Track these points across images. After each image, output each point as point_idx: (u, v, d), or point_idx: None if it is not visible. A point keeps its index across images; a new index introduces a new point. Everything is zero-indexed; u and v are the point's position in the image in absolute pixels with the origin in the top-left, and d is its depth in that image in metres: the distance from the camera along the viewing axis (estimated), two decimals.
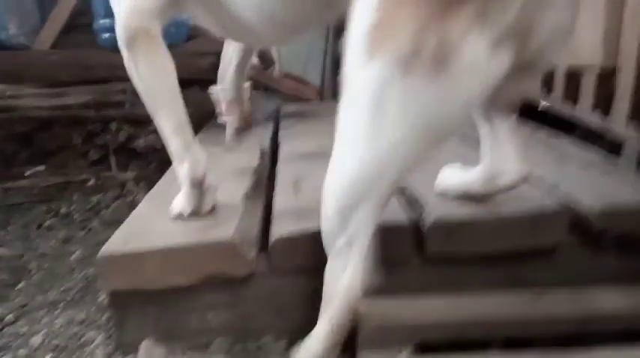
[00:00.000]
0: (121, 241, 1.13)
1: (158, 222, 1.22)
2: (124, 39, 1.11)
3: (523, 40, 0.79)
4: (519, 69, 0.81)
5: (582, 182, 1.24)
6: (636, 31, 1.46)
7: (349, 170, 0.81)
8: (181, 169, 1.17)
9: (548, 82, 2.00)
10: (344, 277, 0.85)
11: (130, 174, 2.45)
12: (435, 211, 1.10)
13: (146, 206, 1.35)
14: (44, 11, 3.60)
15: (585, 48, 1.63)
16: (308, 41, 3.30)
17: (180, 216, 1.20)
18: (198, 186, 1.19)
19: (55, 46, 3.38)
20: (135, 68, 1.11)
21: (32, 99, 2.56)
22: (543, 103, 2.14)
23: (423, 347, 0.96)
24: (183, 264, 1.10)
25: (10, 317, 1.42)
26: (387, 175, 0.80)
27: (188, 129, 1.16)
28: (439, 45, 0.69)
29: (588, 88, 1.66)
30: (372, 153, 0.78)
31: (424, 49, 0.70)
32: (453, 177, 1.19)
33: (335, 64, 3.26)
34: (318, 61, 3.45)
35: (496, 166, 1.07)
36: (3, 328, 1.38)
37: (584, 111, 1.73)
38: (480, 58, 0.71)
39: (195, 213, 1.20)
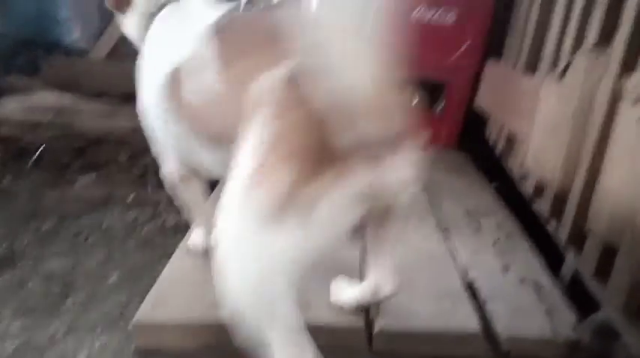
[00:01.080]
0: (150, 307, 1.52)
1: (181, 290, 1.60)
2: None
3: (376, 198, 0.95)
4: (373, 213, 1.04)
5: (509, 300, 1.57)
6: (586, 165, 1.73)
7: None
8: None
9: (524, 174, 2.27)
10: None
11: (163, 195, 2.85)
12: (383, 320, 1.46)
13: (176, 265, 1.74)
14: (105, 18, 3.97)
15: (548, 164, 1.92)
16: None
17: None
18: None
19: (111, 54, 3.78)
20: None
21: (89, 117, 2.96)
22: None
23: None
24: (195, 335, 1.48)
25: (59, 335, 1.83)
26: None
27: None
28: (305, 197, 0.88)
29: (548, 199, 1.95)
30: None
31: (294, 199, 0.88)
32: (345, 292, 1.46)
33: None
34: None
35: (378, 278, 1.31)
36: (54, 344, 1.80)
37: (543, 213, 2.02)
38: (336, 212, 0.90)
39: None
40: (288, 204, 0.88)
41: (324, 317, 1.46)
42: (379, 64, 0.87)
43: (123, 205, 2.77)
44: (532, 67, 2.54)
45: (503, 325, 1.46)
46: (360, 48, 0.84)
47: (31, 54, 4.02)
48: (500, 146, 2.76)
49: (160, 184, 2.99)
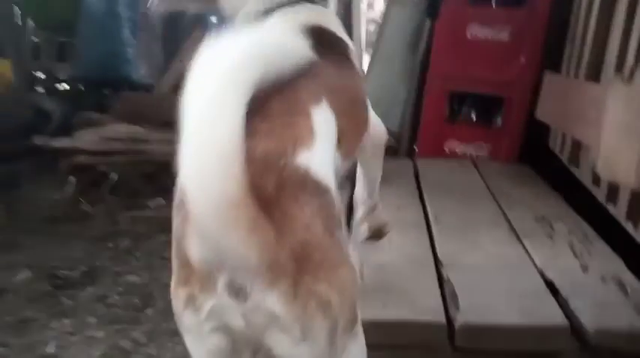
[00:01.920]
0: None
1: None
2: None
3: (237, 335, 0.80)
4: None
5: (592, 296, 1.54)
6: None
7: None
8: None
9: (596, 178, 2.24)
10: None
11: None
12: (467, 315, 1.45)
13: None
14: (168, 56, 4.22)
15: (621, 167, 1.89)
16: (389, 90, 3.57)
17: None
18: None
19: (175, 88, 3.99)
20: None
21: (158, 145, 3.12)
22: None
23: None
24: None
25: (143, 339, 1.91)
26: None
27: None
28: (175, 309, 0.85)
29: (624, 201, 1.92)
30: None
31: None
32: None
33: (415, 116, 3.50)
34: (399, 111, 3.59)
35: None
36: (139, 348, 1.87)
37: (622, 217, 1.98)
38: (195, 330, 0.81)
39: None
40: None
41: (404, 314, 1.47)
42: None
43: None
44: (593, 75, 2.53)
45: (590, 319, 1.42)
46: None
47: (101, 92, 4.29)
48: (566, 155, 2.73)
49: None
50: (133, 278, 2.38)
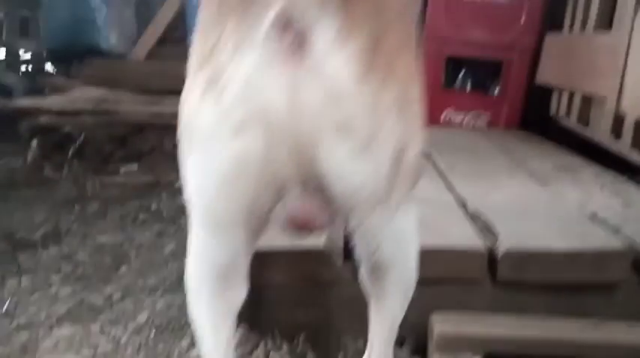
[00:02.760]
0: None
1: None
2: None
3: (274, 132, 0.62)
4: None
5: None
6: None
7: (186, 263, 0.83)
8: None
9: (616, 128, 2.08)
10: None
11: None
12: (508, 241, 1.23)
13: None
14: (141, 23, 3.93)
15: None
16: None
17: None
18: None
19: (149, 56, 3.70)
20: None
21: (130, 105, 2.83)
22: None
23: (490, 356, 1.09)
24: (278, 264, 1.27)
25: (117, 295, 1.63)
26: (202, 266, 0.79)
27: None
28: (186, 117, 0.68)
29: None
30: (189, 244, 0.80)
31: (180, 129, 0.70)
32: None
33: None
34: None
35: None
36: (112, 304, 1.59)
37: None
38: (213, 133, 0.63)
39: None
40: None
41: (436, 243, 1.23)
42: None
43: (171, 190, 2.60)
44: (604, 25, 2.40)
45: None
46: None
47: (69, 60, 3.97)
48: (574, 116, 2.57)
49: None
50: (103, 238, 2.08)
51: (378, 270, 0.80)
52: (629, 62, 1.96)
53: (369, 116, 0.60)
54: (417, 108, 0.68)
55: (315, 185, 0.64)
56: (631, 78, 1.95)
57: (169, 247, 1.98)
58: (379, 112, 0.61)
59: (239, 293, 0.82)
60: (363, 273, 0.84)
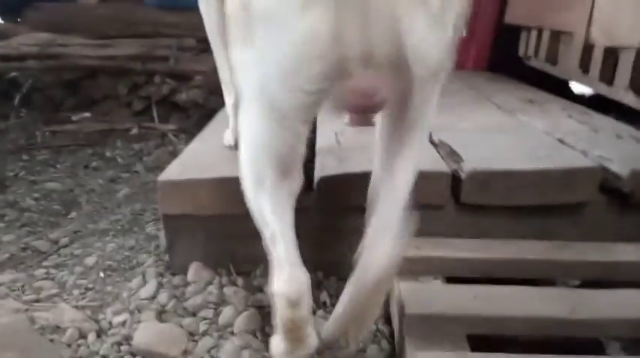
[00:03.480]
0: (177, 171, 1.22)
1: (210, 157, 1.31)
2: None
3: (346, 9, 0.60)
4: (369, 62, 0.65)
5: (614, 148, 1.29)
6: None
7: (242, 157, 0.82)
8: (229, 100, 1.35)
9: (584, 62, 2.03)
10: (272, 284, 0.82)
11: (171, 126, 2.56)
12: (473, 163, 1.17)
13: (196, 146, 1.45)
14: None
15: (623, 29, 1.67)
16: None
17: (230, 147, 1.36)
18: None
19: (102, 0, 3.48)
20: (206, 6, 1.29)
21: (81, 49, 2.66)
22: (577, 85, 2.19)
23: (453, 280, 1.04)
24: (233, 194, 1.18)
25: (64, 240, 1.53)
26: (264, 157, 0.77)
27: None
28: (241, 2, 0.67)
29: (625, 67, 1.69)
30: (246, 136, 0.79)
31: (233, 13, 0.70)
32: None
33: None
34: None
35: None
36: (59, 249, 1.49)
37: (619, 91, 1.77)
38: (279, 12, 0.62)
39: None
40: (233, 23, 0.71)
41: None
42: None
43: (125, 138, 2.47)
44: None
45: (620, 165, 1.17)
46: None
47: (18, 8, 3.71)
48: (542, 54, 2.50)
49: (166, 115, 2.71)
50: (52, 185, 1.97)
51: (408, 136, 0.80)
52: None
53: None
54: None
55: (387, 61, 0.64)
56: (600, 8, 1.89)
57: (123, 192, 1.87)
58: None
59: (298, 181, 0.83)
60: (385, 138, 0.84)
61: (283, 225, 0.82)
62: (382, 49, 0.63)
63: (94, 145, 2.40)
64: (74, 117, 2.63)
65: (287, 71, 0.64)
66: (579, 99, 2.61)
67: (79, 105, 2.69)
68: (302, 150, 0.78)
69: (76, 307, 1.19)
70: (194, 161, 1.29)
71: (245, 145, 0.80)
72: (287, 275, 0.81)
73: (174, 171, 1.23)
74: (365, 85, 0.67)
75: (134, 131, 2.52)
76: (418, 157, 0.85)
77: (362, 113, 0.76)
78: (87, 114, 2.62)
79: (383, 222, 0.87)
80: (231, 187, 1.17)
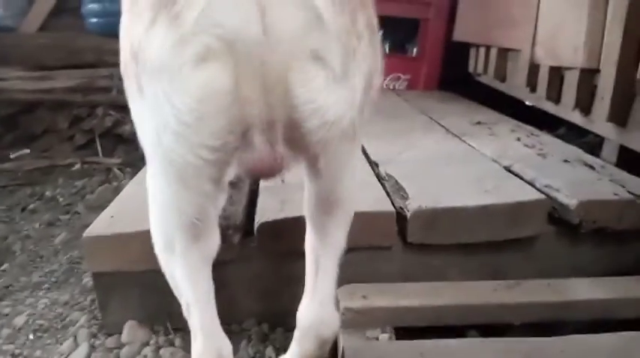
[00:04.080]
0: (106, 223, 1.14)
1: (143, 205, 1.22)
2: None
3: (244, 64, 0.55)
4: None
5: (562, 176, 1.27)
6: (618, 33, 1.48)
7: (150, 219, 0.76)
8: None
9: (531, 81, 2.03)
10: (192, 350, 0.78)
11: (115, 160, 2.45)
12: (418, 200, 1.12)
13: (132, 189, 1.36)
14: None
15: (566, 48, 1.67)
16: None
17: None
18: None
19: (42, 29, 3.35)
20: None
21: (18, 82, 2.53)
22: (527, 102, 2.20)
23: (402, 330, 0.98)
24: None
25: None
26: (171, 220, 0.71)
27: None
28: (132, 48, 0.60)
29: (570, 88, 1.69)
30: (152, 198, 0.73)
31: (124, 62, 0.64)
32: None
33: None
34: None
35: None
36: None
37: (566, 110, 1.77)
38: (174, 64, 0.55)
39: None
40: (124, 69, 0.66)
41: None
42: None
43: (68, 174, 2.35)
44: None
45: (568, 195, 1.15)
46: None
47: None
48: (490, 72, 2.51)
49: (111, 148, 2.60)
50: None
51: (328, 204, 0.77)
52: (540, 11, 1.90)
53: (346, 43, 0.59)
54: (379, 35, 0.68)
55: (286, 121, 0.60)
56: (543, 27, 1.89)
57: (60, 237, 1.76)
58: (354, 38, 0.60)
59: (212, 242, 0.76)
60: (310, 208, 0.80)
61: (198, 293, 0.77)
62: (280, 110, 0.59)
63: (33, 184, 2.27)
64: (12, 155, 2.49)
65: (181, 128, 0.58)
66: (531, 111, 2.63)
67: (17, 141, 2.55)
68: (216, 209, 0.72)
69: None
70: (126, 209, 1.21)
71: (152, 207, 0.74)
72: (202, 346, 0.77)
73: (102, 223, 1.14)
74: (265, 153, 0.62)
75: (77, 166, 2.41)
76: (352, 208, 0.81)
77: (265, 178, 0.71)
78: (26, 151, 2.48)
79: (321, 280, 0.83)
80: None
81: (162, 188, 0.68)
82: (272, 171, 0.66)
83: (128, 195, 1.32)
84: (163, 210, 0.72)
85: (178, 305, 1.17)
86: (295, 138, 0.62)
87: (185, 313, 0.79)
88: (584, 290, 1.05)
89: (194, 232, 0.71)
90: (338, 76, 0.58)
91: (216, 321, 0.79)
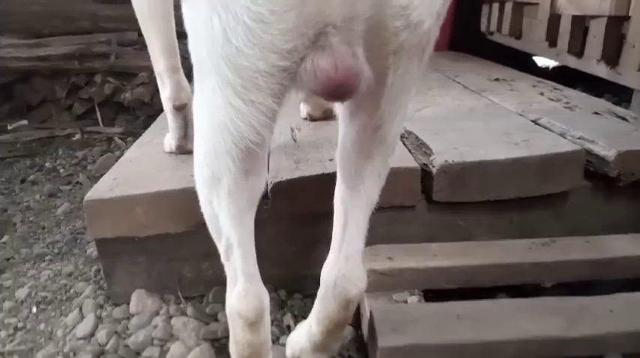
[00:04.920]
0: (108, 186, 1.06)
1: (147, 168, 1.15)
2: None
3: None
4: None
5: (594, 127, 1.18)
6: None
7: (196, 151, 0.68)
8: (164, 93, 1.18)
9: (551, 34, 1.92)
10: (228, 298, 0.73)
11: (117, 129, 2.36)
12: (443, 155, 1.04)
13: (134, 153, 1.28)
14: None
15: None
16: None
17: (171, 153, 1.22)
18: (181, 115, 1.16)
19: None
20: None
21: (11, 51, 2.43)
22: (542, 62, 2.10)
23: (430, 293, 0.91)
24: (175, 209, 1.03)
25: None
26: (224, 146, 0.62)
27: (175, 54, 1.15)
28: None
29: (596, 38, 1.59)
30: (201, 124, 0.65)
31: None
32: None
33: None
34: None
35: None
36: None
37: (590, 63, 1.67)
38: None
39: (182, 149, 1.17)
40: None
41: None
42: None
43: (67, 145, 2.27)
44: None
45: (604, 146, 1.06)
46: None
47: None
48: (505, 29, 2.40)
49: (111, 117, 2.51)
50: None
51: (372, 143, 0.69)
52: None
53: None
54: None
55: (369, 18, 0.52)
56: None
57: (62, 208, 1.69)
58: None
59: (262, 179, 0.70)
60: (346, 150, 0.72)
61: (241, 233, 0.70)
62: (365, 4, 0.51)
63: (32, 156, 2.19)
64: (9, 126, 2.40)
65: (250, 30, 0.51)
66: (543, 73, 2.53)
67: (14, 111, 2.46)
68: (269, 139, 0.65)
69: (2, 354, 1.03)
70: (129, 173, 1.13)
71: (200, 135, 0.66)
72: (244, 291, 0.71)
73: (104, 186, 1.06)
74: (342, 57, 0.53)
75: (77, 137, 2.32)
76: (392, 156, 0.73)
77: (333, 97, 0.60)
78: (24, 122, 2.40)
79: (350, 234, 0.75)
80: (172, 202, 1.03)
81: (217, 107, 0.59)
82: (347, 83, 0.55)
83: (131, 158, 1.24)
84: (215, 134, 0.62)
85: (189, 271, 1.11)
86: (374, 42, 0.54)
87: (223, 256, 0.72)
88: (624, 247, 0.98)
89: (247, 164, 0.64)
90: None
91: (257, 267, 0.73)
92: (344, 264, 0.75)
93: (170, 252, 1.08)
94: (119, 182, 1.08)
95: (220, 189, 0.67)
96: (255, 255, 0.73)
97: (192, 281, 1.09)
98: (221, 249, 0.72)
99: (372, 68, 0.56)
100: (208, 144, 0.64)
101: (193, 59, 0.61)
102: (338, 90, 0.56)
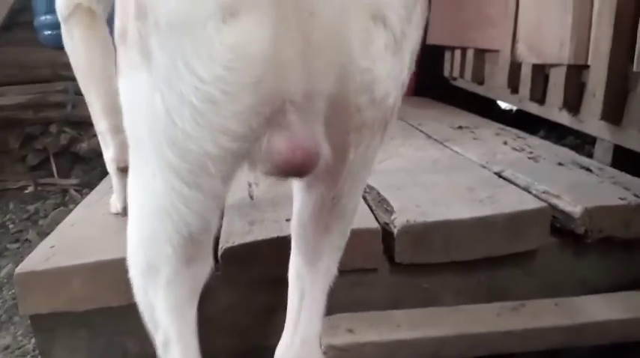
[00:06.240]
0: (44, 256, 0.97)
1: (90, 233, 1.07)
2: (62, 11, 1.04)
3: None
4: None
5: (559, 180, 1.15)
6: (608, 25, 1.38)
7: (130, 235, 0.62)
8: (107, 154, 1.12)
9: (512, 82, 1.93)
10: None
11: (72, 181, 2.26)
12: (405, 214, 0.99)
13: (78, 214, 1.20)
14: None
15: (550, 44, 1.57)
16: None
17: (117, 214, 1.13)
18: (126, 176, 1.09)
19: None
20: (70, 41, 1.05)
21: None
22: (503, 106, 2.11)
23: None
24: (117, 281, 0.94)
25: None
26: (163, 233, 0.56)
27: (118, 114, 1.08)
28: (138, 2, 0.47)
29: (556, 86, 1.59)
30: (137, 205, 0.59)
31: (123, 25, 0.51)
32: None
33: None
34: None
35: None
36: None
37: (552, 110, 1.67)
38: (193, 20, 0.44)
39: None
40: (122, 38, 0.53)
41: None
42: None
43: (19, 198, 2.16)
44: None
45: (570, 202, 1.02)
46: None
47: None
48: (468, 75, 2.41)
49: (67, 168, 2.41)
50: None
51: (330, 217, 0.65)
52: (520, 6, 1.81)
53: (405, 5, 0.49)
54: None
55: (330, 95, 0.48)
56: (525, 23, 1.80)
57: (6, 270, 1.58)
58: (411, 3, 0.50)
59: (206, 266, 0.65)
60: (302, 223, 0.67)
61: (181, 326, 0.64)
62: (326, 80, 0.47)
63: None
64: None
65: (198, 107, 0.45)
66: (507, 115, 2.54)
67: None
68: (217, 220, 0.59)
69: None
70: (69, 239, 1.05)
71: (135, 219, 0.60)
72: None
73: (39, 256, 0.97)
74: (301, 138, 0.48)
75: (29, 189, 2.21)
76: (351, 226, 0.70)
77: (288, 177, 0.55)
78: None
79: (306, 315, 0.71)
80: (114, 272, 0.94)
81: (157, 190, 0.53)
82: (304, 162, 0.50)
83: (73, 222, 1.16)
84: (153, 221, 0.57)
85: (134, 346, 1.02)
86: (335, 119, 0.50)
87: (161, 351, 0.65)
88: (598, 309, 0.93)
89: (189, 251, 0.58)
90: (397, 43, 0.49)
91: None
92: (299, 349, 0.68)
93: (113, 326, 0.98)
94: (57, 250, 0.99)
95: (158, 278, 0.60)
96: (198, 350, 0.65)
97: (138, 356, 1.00)
98: (158, 343, 0.64)
99: (331, 145, 0.52)
100: (144, 230, 0.59)
101: (129, 137, 0.55)
102: (294, 171, 0.52)
